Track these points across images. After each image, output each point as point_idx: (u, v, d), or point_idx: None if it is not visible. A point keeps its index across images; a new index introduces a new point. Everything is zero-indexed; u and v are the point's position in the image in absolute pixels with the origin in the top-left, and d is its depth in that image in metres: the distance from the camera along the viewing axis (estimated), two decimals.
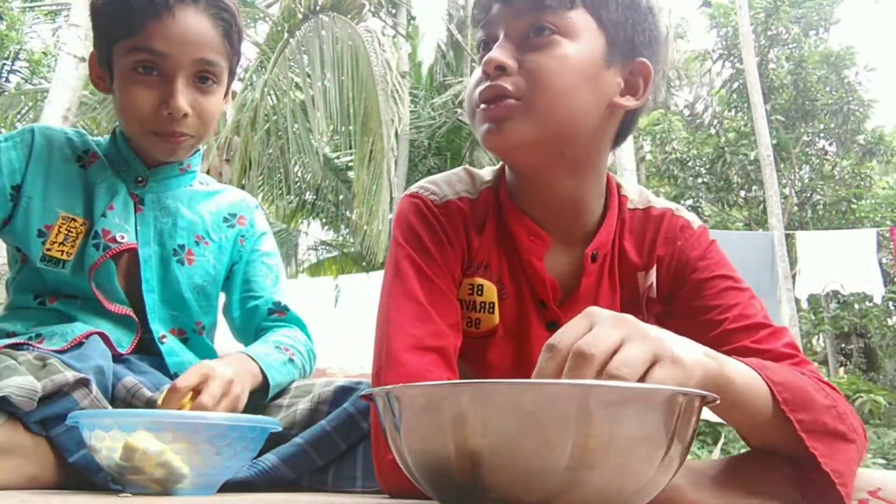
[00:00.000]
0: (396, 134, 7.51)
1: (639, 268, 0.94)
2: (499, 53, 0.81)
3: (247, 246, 1.29)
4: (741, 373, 0.68)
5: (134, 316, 1.14)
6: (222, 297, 1.30)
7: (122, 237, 1.12)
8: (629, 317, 0.58)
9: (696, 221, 0.96)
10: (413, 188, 0.96)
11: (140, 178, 1.18)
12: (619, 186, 0.96)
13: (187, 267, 1.20)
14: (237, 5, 1.15)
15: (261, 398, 1.09)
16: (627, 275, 0.94)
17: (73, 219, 1.12)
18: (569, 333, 0.56)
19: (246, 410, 1.01)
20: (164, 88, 1.07)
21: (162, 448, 0.74)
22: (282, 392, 1.13)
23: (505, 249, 0.92)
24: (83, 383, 0.90)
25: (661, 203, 0.97)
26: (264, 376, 1.09)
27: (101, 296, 1.12)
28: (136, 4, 1.05)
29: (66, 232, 1.12)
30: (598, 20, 0.83)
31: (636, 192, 0.98)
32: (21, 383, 0.84)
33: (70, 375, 0.89)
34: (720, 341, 0.82)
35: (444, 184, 0.95)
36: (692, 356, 0.59)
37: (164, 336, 1.17)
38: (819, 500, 0.73)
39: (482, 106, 0.83)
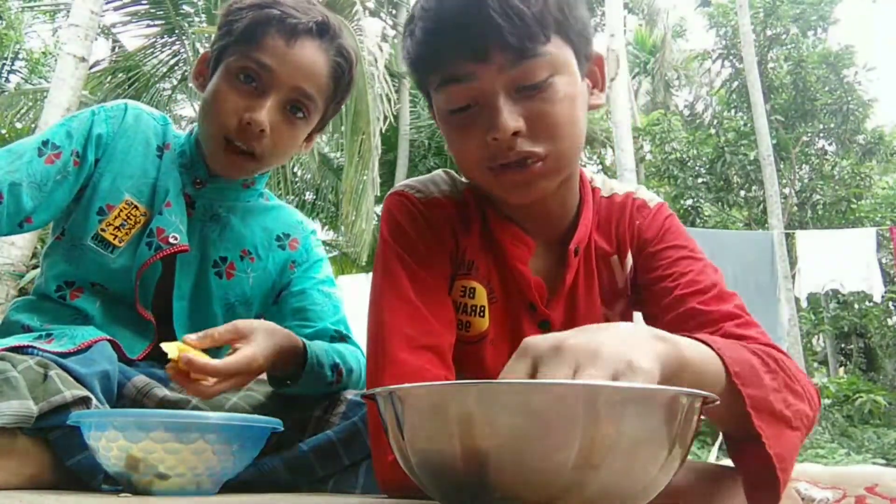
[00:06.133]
0: (381, 132, 7.51)
1: (609, 253, 0.96)
2: (510, 120, 0.78)
3: (297, 273, 1.25)
4: (694, 348, 0.67)
5: (154, 322, 1.13)
6: None
7: (176, 238, 1.11)
8: (565, 336, 0.55)
9: (653, 200, 0.99)
10: (398, 186, 0.96)
11: (199, 181, 1.16)
12: (589, 180, 0.98)
13: (224, 281, 1.18)
14: (357, 60, 1.16)
15: (293, 374, 1.05)
16: (601, 262, 0.96)
17: (135, 206, 1.12)
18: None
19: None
20: (254, 100, 1.07)
21: (164, 458, 0.74)
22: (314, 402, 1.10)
23: (492, 253, 0.93)
24: (82, 401, 0.87)
25: (622, 189, 1.00)
26: (305, 356, 1.05)
27: (139, 296, 1.11)
28: (264, 20, 1.06)
29: (126, 218, 1.11)
30: (565, 38, 0.82)
31: (600, 182, 1.00)
32: (17, 409, 0.83)
33: (69, 395, 0.86)
34: (672, 306, 0.86)
35: (428, 183, 0.96)
36: (646, 352, 0.56)
37: None
38: (757, 483, 0.72)
39: (502, 169, 0.81)
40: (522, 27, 0.77)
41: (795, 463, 0.80)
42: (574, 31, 0.82)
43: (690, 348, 0.66)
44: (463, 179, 0.98)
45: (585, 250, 0.94)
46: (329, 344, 1.15)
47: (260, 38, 1.07)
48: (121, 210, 1.11)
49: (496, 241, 0.92)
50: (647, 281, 0.93)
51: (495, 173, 0.83)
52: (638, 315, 1.00)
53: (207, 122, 1.10)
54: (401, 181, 1.00)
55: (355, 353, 1.18)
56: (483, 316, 0.91)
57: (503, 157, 0.81)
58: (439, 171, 1.00)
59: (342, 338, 1.22)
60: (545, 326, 0.92)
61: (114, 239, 1.10)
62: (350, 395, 1.06)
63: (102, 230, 1.09)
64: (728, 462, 0.86)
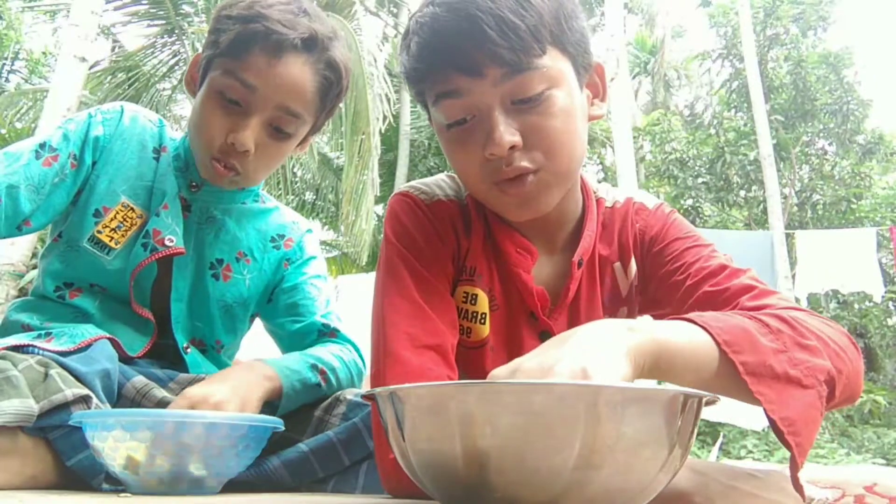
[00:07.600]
0: (381, 132, 7.51)
1: (612, 260, 0.96)
2: (507, 134, 0.78)
3: (290, 270, 1.25)
4: (675, 329, 0.67)
5: (153, 320, 1.13)
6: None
7: (172, 240, 1.11)
8: (522, 361, 0.58)
9: (651, 201, 0.99)
10: (403, 188, 0.96)
11: (194, 184, 1.17)
12: (593, 190, 0.98)
13: (221, 283, 1.19)
14: (349, 66, 1.14)
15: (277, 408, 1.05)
16: (604, 270, 0.96)
17: (132, 208, 1.12)
18: None
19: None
20: (239, 120, 1.06)
21: (165, 458, 0.74)
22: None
23: (495, 260, 0.93)
24: (83, 400, 0.87)
25: (623, 196, 1.00)
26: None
27: (134, 296, 1.11)
28: (249, 35, 1.04)
29: (122, 220, 1.11)
30: (562, 50, 0.81)
31: (604, 192, 1.00)
32: (18, 408, 0.83)
33: (70, 394, 0.86)
34: (686, 297, 0.85)
35: (433, 185, 0.96)
36: (608, 353, 0.58)
37: (187, 347, 1.16)
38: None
39: (501, 184, 0.82)
40: (517, 41, 0.76)
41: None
42: (571, 42, 0.82)
43: (670, 331, 0.66)
44: None
45: (589, 260, 0.94)
46: (301, 352, 1.15)
47: (244, 54, 1.05)
48: (117, 212, 1.11)
49: (499, 248, 0.92)
50: (659, 278, 0.92)
51: (496, 190, 0.83)
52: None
53: (195, 137, 1.10)
54: (401, 181, 1.01)
55: (338, 352, 1.18)
56: (484, 323, 0.91)
57: (502, 173, 0.81)
58: (443, 175, 1.00)
59: (331, 332, 1.23)
60: (545, 336, 0.91)
61: (110, 241, 1.10)
62: (350, 395, 1.06)
63: (99, 232, 1.10)
64: (729, 462, 0.86)
